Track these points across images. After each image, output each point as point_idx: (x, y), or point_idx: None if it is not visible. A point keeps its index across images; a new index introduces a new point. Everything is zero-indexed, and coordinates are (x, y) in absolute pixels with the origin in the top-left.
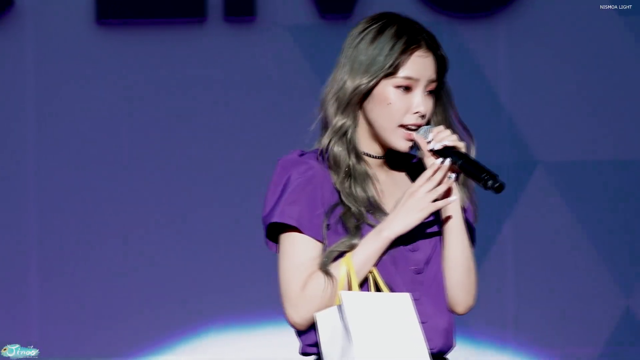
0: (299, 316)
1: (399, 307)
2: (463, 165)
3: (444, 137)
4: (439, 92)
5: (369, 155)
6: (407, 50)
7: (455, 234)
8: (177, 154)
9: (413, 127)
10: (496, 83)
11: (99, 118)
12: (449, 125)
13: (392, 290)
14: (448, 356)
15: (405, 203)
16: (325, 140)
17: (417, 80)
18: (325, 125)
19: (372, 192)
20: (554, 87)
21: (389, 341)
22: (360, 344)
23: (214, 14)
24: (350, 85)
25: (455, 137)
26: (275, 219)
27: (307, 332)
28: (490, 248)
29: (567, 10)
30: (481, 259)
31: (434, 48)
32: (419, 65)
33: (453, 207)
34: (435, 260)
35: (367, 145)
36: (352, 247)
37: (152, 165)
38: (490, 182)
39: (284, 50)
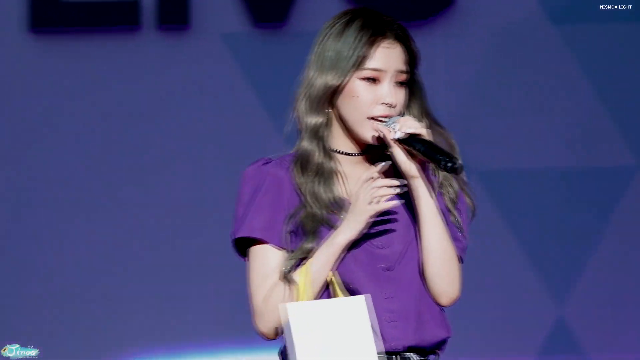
0: (266, 327)
1: (351, 311)
2: (425, 151)
3: (408, 125)
4: (412, 85)
5: (345, 153)
6: (372, 41)
7: (428, 224)
8: (110, 162)
9: (382, 119)
10: (433, 91)
11: (34, 126)
12: (425, 118)
13: (356, 291)
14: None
15: (351, 207)
16: (300, 141)
17: (383, 71)
18: (299, 126)
19: (337, 192)
20: (488, 95)
21: (336, 348)
22: (303, 356)
23: (148, 22)
24: (319, 82)
25: (419, 124)
26: (241, 233)
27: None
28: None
29: (501, 17)
30: None
31: (402, 39)
32: (385, 56)
33: (424, 197)
34: (410, 255)
35: (342, 143)
36: (308, 252)
37: (81, 175)
38: (449, 165)
39: (218, 58)
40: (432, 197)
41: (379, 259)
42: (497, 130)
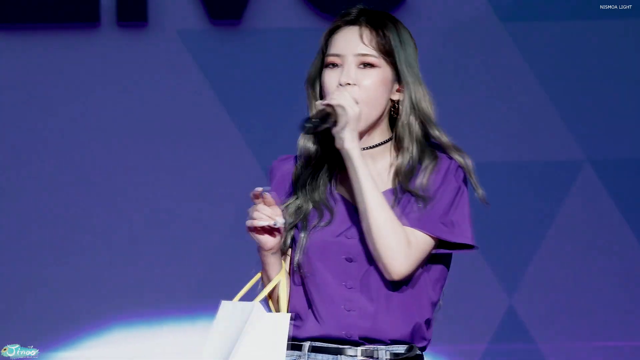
0: None
1: (246, 317)
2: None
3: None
4: (398, 72)
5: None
6: (332, 31)
7: (358, 192)
8: (72, 158)
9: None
10: None
11: None
12: (418, 109)
13: (317, 281)
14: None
15: None
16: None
17: (341, 55)
18: None
19: (329, 186)
20: (438, 92)
21: (242, 355)
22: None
23: (107, 18)
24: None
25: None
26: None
27: None
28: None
29: (451, 14)
30: None
31: (367, 22)
32: (341, 41)
33: (350, 167)
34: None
35: None
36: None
37: (46, 167)
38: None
39: (175, 54)
40: (358, 165)
41: (343, 250)
42: (447, 127)
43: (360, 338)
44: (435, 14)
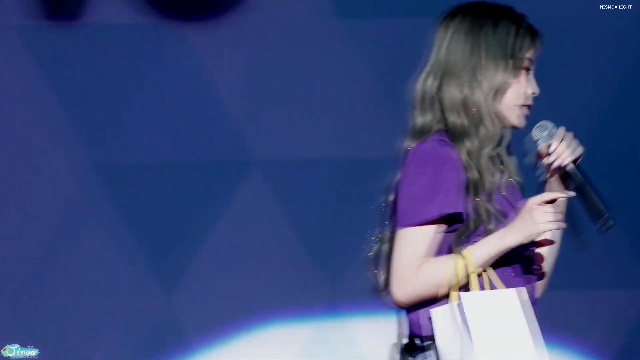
0: (406, 296)
1: (508, 304)
2: (578, 192)
3: (565, 155)
4: None
5: None
6: (529, 33)
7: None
8: None
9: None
10: (219, 84)
11: None
12: None
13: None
14: None
15: (527, 216)
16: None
17: (532, 61)
18: (440, 109)
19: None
20: (273, 88)
21: (503, 339)
22: (479, 343)
23: None
24: (494, 71)
25: (573, 151)
26: (449, 209)
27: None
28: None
29: (291, 11)
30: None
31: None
32: (531, 48)
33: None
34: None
35: None
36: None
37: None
38: (599, 224)
39: (11, 50)
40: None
41: (533, 262)
42: (282, 122)
43: None
44: (277, 10)
